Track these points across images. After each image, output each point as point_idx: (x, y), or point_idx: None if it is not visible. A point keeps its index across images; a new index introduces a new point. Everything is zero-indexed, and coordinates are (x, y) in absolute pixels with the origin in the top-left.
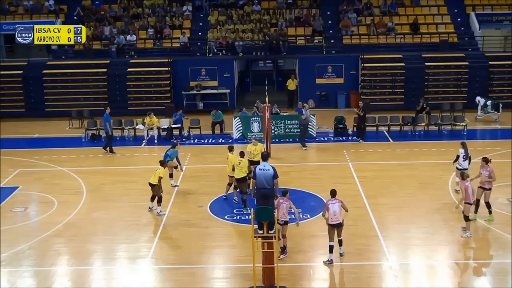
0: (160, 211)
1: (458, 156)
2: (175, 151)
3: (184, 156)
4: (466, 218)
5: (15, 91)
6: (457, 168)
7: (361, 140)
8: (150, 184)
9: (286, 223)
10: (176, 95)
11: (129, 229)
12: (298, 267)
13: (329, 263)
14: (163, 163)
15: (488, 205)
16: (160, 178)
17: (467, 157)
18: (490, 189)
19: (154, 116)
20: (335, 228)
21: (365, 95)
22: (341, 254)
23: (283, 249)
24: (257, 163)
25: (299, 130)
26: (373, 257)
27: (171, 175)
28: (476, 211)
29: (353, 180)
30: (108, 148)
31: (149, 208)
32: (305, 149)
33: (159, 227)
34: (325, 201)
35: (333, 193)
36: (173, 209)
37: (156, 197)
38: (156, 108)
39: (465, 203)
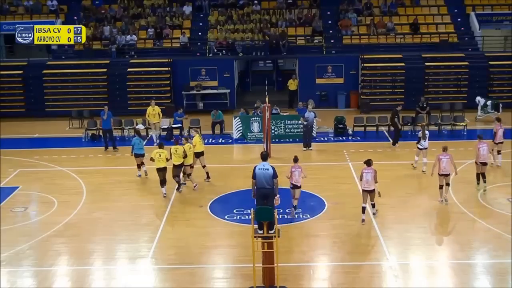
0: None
1: (419, 138)
2: (138, 139)
3: None
4: (440, 187)
5: (15, 91)
6: (418, 147)
7: (396, 144)
8: (160, 169)
9: (299, 187)
10: (176, 95)
11: (129, 229)
12: (298, 267)
13: (362, 222)
14: (161, 145)
15: (483, 176)
16: (167, 160)
17: (424, 137)
18: (486, 163)
19: (156, 106)
20: (368, 193)
21: (365, 95)
22: (374, 214)
23: (295, 207)
24: (201, 154)
25: (300, 130)
26: (373, 257)
27: (139, 166)
28: (478, 183)
29: (353, 180)
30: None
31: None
32: (304, 150)
33: (159, 227)
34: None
35: (369, 163)
36: (173, 209)
37: (175, 177)
38: None
39: (438, 174)
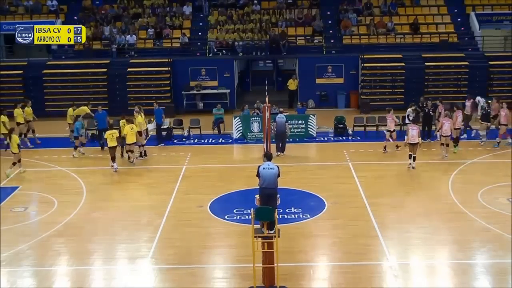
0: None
1: (404, 117)
2: (81, 122)
3: (184, 156)
4: (441, 144)
5: (15, 91)
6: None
7: (429, 140)
8: (111, 148)
9: (415, 144)
10: (176, 95)
11: (129, 229)
12: (298, 267)
13: (410, 166)
14: (111, 126)
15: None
16: (117, 137)
17: (411, 116)
18: (460, 128)
19: (124, 121)
20: (412, 146)
21: (365, 95)
22: (413, 167)
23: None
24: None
25: (300, 130)
26: (373, 257)
27: (75, 148)
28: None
29: (353, 180)
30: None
31: (113, 166)
32: (277, 155)
33: (159, 227)
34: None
35: (414, 122)
36: (173, 209)
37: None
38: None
39: (441, 135)
